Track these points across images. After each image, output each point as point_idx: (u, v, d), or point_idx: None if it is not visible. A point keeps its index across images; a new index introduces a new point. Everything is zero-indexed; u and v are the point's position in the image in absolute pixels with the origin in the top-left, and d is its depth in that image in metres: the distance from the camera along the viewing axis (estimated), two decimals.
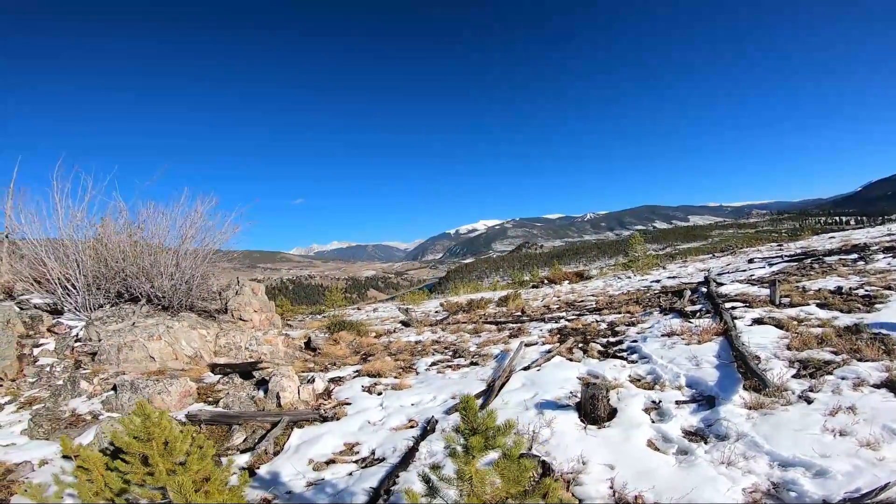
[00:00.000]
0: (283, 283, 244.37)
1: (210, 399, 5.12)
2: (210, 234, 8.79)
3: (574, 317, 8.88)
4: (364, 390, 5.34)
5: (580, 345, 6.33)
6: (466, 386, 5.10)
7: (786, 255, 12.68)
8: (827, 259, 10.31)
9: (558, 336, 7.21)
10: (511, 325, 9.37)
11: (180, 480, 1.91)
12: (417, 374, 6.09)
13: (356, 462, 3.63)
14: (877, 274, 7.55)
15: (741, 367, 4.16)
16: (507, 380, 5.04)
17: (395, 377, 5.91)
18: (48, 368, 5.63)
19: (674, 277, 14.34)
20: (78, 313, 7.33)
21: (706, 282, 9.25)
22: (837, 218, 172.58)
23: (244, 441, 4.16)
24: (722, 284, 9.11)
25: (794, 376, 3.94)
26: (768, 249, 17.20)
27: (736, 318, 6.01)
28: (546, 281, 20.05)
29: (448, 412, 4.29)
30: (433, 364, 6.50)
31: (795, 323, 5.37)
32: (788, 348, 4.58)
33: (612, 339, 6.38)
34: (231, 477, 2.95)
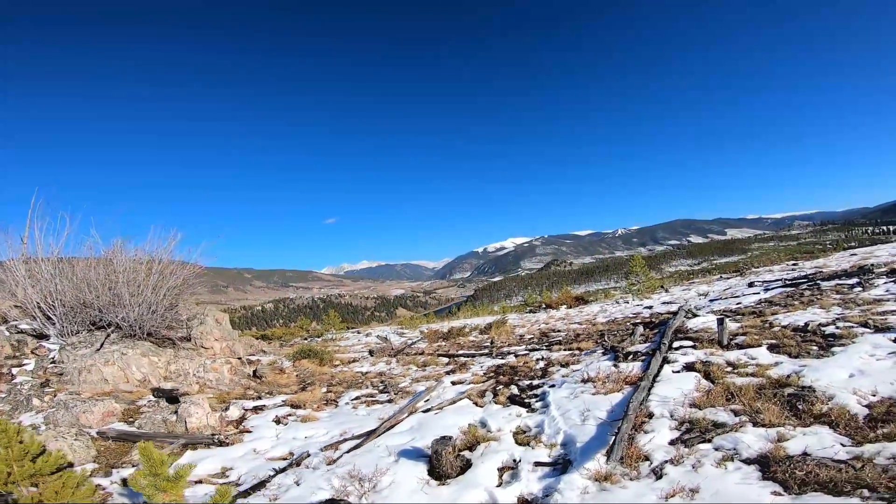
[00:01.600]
0: (315, 302, 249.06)
1: (131, 419, 5.39)
2: (173, 268, 9.19)
3: (526, 352, 8.24)
4: (274, 420, 5.49)
5: (501, 386, 5.88)
6: (364, 424, 5.04)
7: (788, 279, 11.51)
8: (824, 284, 9.20)
9: (492, 375, 6.66)
10: (463, 357, 8.85)
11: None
12: (336, 406, 6.18)
13: (220, 485, 3.64)
14: (863, 305, 6.56)
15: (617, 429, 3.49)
16: (399, 422, 4.86)
17: (314, 409, 6.00)
18: (18, 386, 6.09)
19: (669, 303, 13.33)
20: (59, 338, 7.97)
21: (677, 313, 8.36)
22: (885, 227, 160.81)
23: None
24: (696, 316, 8.22)
25: (670, 442, 3.34)
26: (780, 269, 15.82)
27: (671, 361, 5.26)
28: (544, 306, 19.16)
29: (324, 448, 4.37)
30: (356, 398, 6.48)
31: (726, 371, 4.59)
32: (693, 404, 3.86)
33: (535, 382, 5.86)
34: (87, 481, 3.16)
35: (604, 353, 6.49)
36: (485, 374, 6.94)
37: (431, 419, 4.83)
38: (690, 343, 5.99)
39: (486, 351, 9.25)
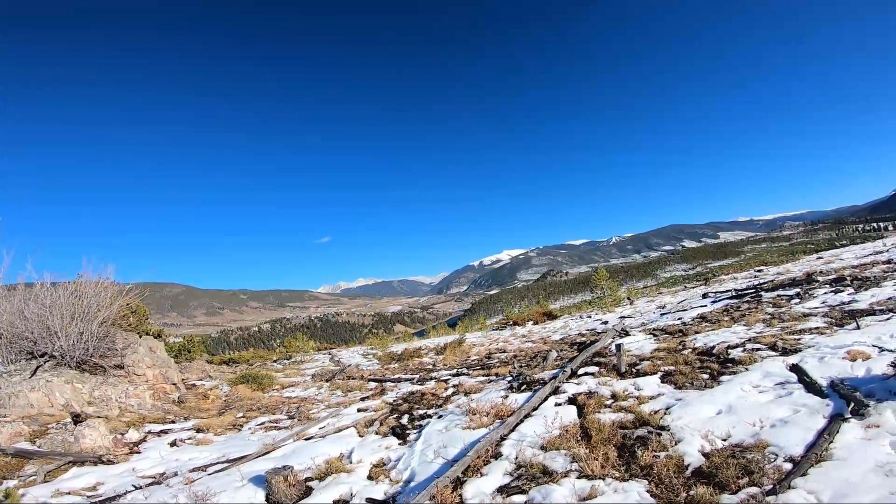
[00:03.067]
0: (311, 321, 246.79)
1: (36, 440, 5.63)
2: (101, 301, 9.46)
3: (448, 377, 7.80)
4: (170, 443, 5.67)
5: (395, 416, 5.65)
6: (248, 449, 5.08)
7: (738, 290, 11.14)
8: (767, 295, 8.84)
9: (401, 402, 6.45)
10: (390, 382, 8.48)
11: None
12: (239, 431, 6.25)
13: (87, 497, 4.05)
14: (789, 321, 6.18)
15: None
16: (276, 448, 4.90)
17: (216, 433, 6.11)
18: None
19: (627, 317, 12.92)
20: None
21: (603, 334, 7.95)
22: (875, 224, 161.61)
23: (34, 472, 4.77)
24: (626, 335, 7.81)
25: (497, 489, 3.04)
26: (744, 277, 15.48)
27: (560, 392, 4.83)
28: (511, 322, 18.70)
29: (192, 469, 4.51)
30: (261, 424, 6.51)
31: (604, 404, 4.21)
32: (543, 446, 3.53)
33: (430, 412, 5.53)
34: None
35: (511, 380, 6.05)
36: (393, 401, 6.61)
37: (307, 447, 4.79)
38: (596, 369, 5.57)
39: (420, 375, 8.83)
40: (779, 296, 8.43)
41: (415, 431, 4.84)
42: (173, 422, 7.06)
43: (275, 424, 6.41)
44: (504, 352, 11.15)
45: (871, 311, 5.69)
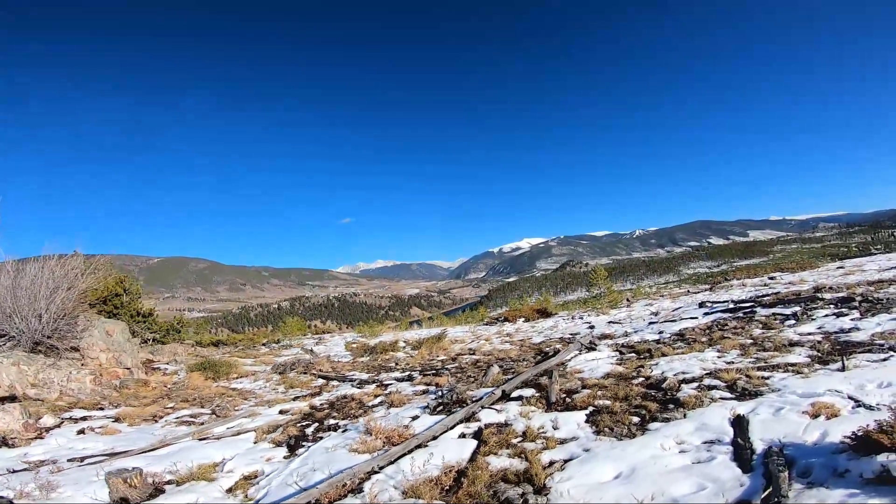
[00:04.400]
0: (330, 301, 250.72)
1: None
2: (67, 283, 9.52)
3: (395, 380, 7.37)
4: (79, 431, 5.56)
5: (305, 422, 5.30)
6: (135, 443, 4.93)
7: (735, 301, 10.13)
8: (762, 312, 7.87)
9: (325, 407, 6.07)
10: (335, 381, 8.01)
11: None
12: (155, 423, 6.05)
13: None
14: (771, 350, 5.31)
15: None
16: (166, 445, 4.73)
17: (130, 424, 5.96)
18: None
19: (614, 322, 12.04)
20: None
21: (560, 350, 7.18)
22: None
23: None
24: (592, 350, 7.04)
25: None
26: (753, 285, 14.29)
27: (474, 419, 4.17)
28: (503, 318, 17.95)
29: (71, 459, 4.40)
30: (178, 418, 6.28)
31: (509, 441, 3.55)
32: (405, 490, 2.88)
33: (340, 423, 5.09)
34: None
35: (438, 397, 5.39)
36: (319, 405, 6.17)
37: (196, 448, 4.55)
38: (532, 392, 4.85)
39: (370, 375, 8.35)
40: (774, 314, 7.46)
41: (312, 444, 4.41)
42: (102, 408, 6.97)
43: (193, 419, 6.16)
44: (475, 353, 10.50)
45: (868, 346, 4.77)
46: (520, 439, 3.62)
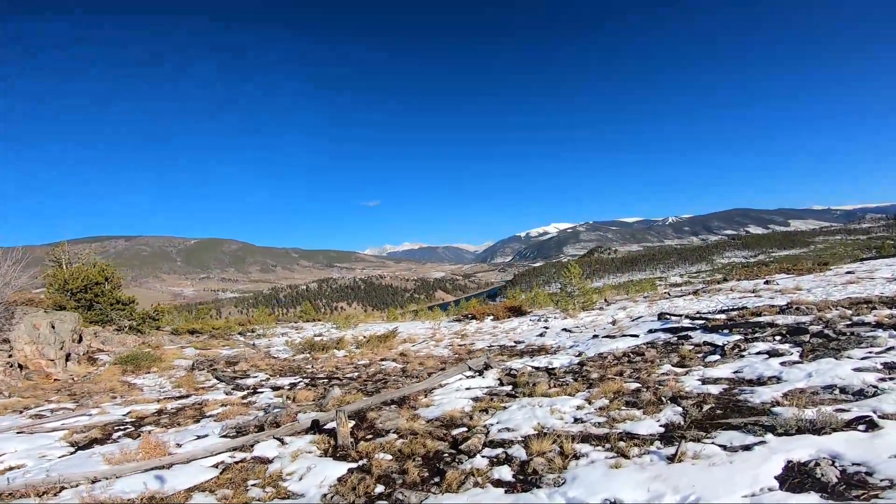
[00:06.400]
0: (356, 283, 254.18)
1: None
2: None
3: (269, 389, 6.30)
4: None
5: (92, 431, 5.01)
6: None
7: (693, 316, 8.58)
8: (698, 338, 6.39)
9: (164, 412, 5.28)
10: (221, 382, 7.48)
11: None
12: (20, 414, 6.01)
13: None
14: (634, 407, 3.97)
15: None
16: None
17: None
18: None
19: (569, 330, 10.71)
20: None
21: (461, 367, 5.97)
22: None
23: None
24: (482, 372, 5.81)
25: None
26: (742, 291, 12.50)
27: (246, 449, 3.18)
28: (470, 315, 16.73)
29: None
30: (41, 411, 6.20)
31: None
32: None
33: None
34: None
35: (257, 417, 4.39)
36: (167, 409, 5.98)
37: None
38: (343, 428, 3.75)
39: (258, 381, 7.62)
40: (705, 343, 6.01)
41: (97, 447, 4.42)
42: None
43: (50, 413, 6.07)
44: (406, 357, 9.60)
45: (755, 416, 3.36)
46: (257, 481, 3.24)
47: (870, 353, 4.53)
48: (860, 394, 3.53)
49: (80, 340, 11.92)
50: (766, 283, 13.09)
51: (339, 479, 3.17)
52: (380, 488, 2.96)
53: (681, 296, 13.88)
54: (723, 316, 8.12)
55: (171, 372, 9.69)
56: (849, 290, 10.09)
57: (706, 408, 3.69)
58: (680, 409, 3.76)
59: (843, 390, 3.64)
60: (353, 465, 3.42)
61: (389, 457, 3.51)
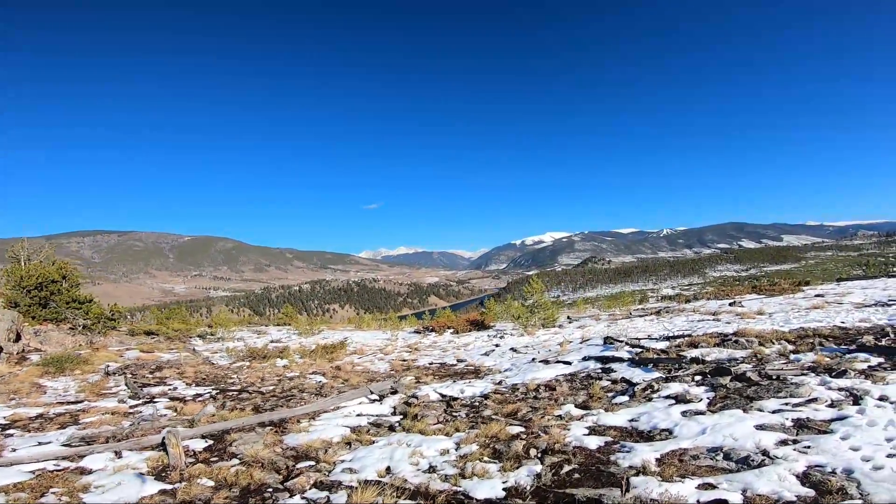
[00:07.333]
0: (349, 285, 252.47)
1: None
2: None
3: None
4: None
5: None
6: None
7: (634, 344, 8.02)
8: (619, 373, 5.81)
9: None
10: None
11: None
12: None
13: None
14: (495, 460, 3.38)
15: None
16: None
17: None
18: None
19: (516, 350, 10.14)
20: None
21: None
22: None
23: None
24: (379, 399, 5.22)
25: None
26: (703, 314, 11.97)
27: None
28: (429, 328, 16.10)
29: None
30: None
31: None
32: None
33: None
34: None
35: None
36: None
37: None
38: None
39: (168, 388, 6.98)
40: (623, 380, 5.45)
41: None
42: None
43: None
44: (339, 369, 9.10)
45: (615, 481, 2.80)
46: (59, 490, 3.21)
47: (786, 404, 3.97)
48: (744, 462, 2.97)
49: (17, 339, 11.34)
50: (732, 304, 12.57)
51: (141, 499, 3.14)
52: None
53: (643, 315, 13.33)
54: (664, 344, 7.56)
55: (90, 376, 9.16)
56: (810, 317, 9.57)
57: (566, 469, 3.13)
58: (539, 468, 3.19)
59: (727, 456, 3.08)
60: (168, 486, 3.36)
61: (211, 483, 3.43)
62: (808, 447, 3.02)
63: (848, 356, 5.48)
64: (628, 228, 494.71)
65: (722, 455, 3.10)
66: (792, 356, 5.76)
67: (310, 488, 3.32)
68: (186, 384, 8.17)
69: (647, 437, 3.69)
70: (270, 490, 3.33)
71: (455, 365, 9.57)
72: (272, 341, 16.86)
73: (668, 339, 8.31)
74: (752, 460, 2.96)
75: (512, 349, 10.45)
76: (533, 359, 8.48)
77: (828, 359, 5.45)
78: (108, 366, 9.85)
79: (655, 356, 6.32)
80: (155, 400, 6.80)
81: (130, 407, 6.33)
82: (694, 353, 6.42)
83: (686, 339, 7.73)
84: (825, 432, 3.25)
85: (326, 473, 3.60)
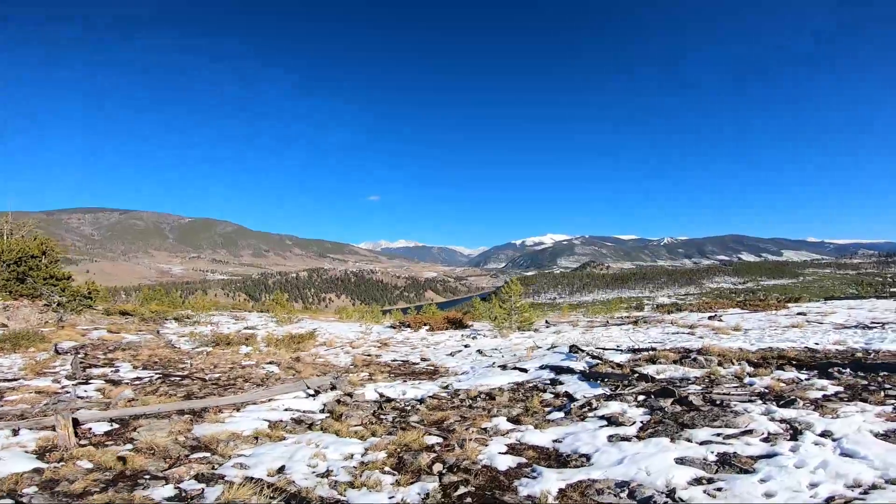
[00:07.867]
0: (347, 275, 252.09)
1: None
2: None
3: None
4: None
5: None
6: None
7: (596, 354, 7.75)
8: (567, 386, 5.55)
9: None
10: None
11: None
12: None
13: None
14: (411, 472, 3.12)
15: None
16: None
17: None
18: None
19: (482, 352, 9.88)
20: None
21: None
22: None
23: None
24: (314, 395, 4.96)
25: None
26: (680, 327, 11.70)
27: None
28: (405, 324, 15.85)
29: None
30: None
31: None
32: None
33: None
34: None
35: None
36: None
37: None
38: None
39: (113, 370, 6.75)
40: (565, 394, 5.21)
41: None
42: None
43: None
44: (298, 360, 8.88)
45: None
46: None
47: (717, 434, 3.70)
48: None
49: None
50: (711, 318, 12.30)
51: (10, 475, 3.06)
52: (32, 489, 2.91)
53: (620, 325, 13.07)
54: (626, 357, 7.30)
55: (40, 354, 8.96)
56: (785, 336, 9.31)
57: (460, 492, 2.87)
58: (433, 486, 2.93)
59: (632, 493, 2.80)
60: (43, 465, 3.32)
61: (89, 466, 3.33)
62: (720, 489, 2.74)
63: (805, 382, 5.22)
64: (629, 235, 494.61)
65: (627, 492, 2.82)
66: (747, 379, 5.49)
67: (188, 479, 3.18)
68: (133, 367, 7.94)
69: (563, 461, 3.42)
70: (147, 477, 3.19)
71: (417, 364, 9.33)
72: (246, 328, 16.60)
73: (633, 351, 8.05)
74: (655, 502, 2.68)
75: (479, 351, 10.20)
76: (494, 363, 8.22)
77: (783, 384, 5.19)
78: (58, 345, 9.57)
79: (609, 370, 6.04)
80: (90, 381, 6.62)
81: (62, 387, 6.22)
82: (651, 369, 6.15)
83: (649, 353, 7.46)
84: (746, 472, 2.97)
85: (215, 466, 3.42)
